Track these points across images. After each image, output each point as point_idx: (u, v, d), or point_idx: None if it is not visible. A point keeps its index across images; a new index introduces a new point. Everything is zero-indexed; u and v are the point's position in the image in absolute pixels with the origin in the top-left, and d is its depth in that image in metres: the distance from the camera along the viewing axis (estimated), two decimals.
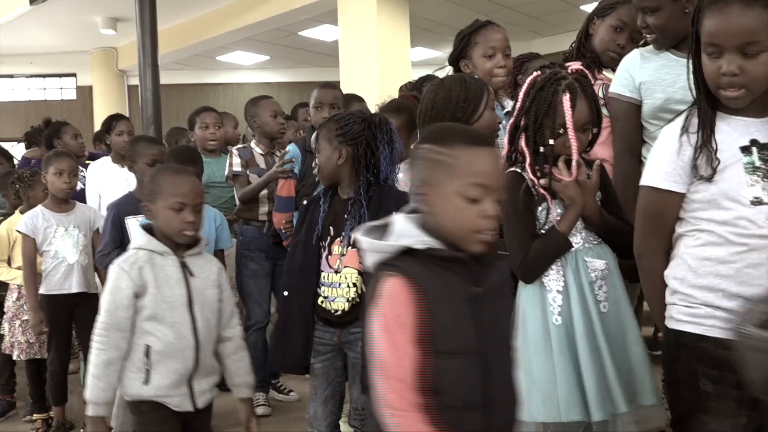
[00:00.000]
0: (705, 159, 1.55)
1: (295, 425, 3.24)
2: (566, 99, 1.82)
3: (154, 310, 2.09)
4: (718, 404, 1.54)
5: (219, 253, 3.13)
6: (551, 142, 1.86)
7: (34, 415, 3.94)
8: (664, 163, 1.63)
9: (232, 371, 2.27)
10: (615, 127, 2.30)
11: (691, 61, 1.63)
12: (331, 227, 2.33)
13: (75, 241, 3.59)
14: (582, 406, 1.76)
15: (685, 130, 1.60)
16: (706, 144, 1.55)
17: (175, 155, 3.14)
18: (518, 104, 1.93)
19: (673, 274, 1.65)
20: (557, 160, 1.88)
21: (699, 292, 1.57)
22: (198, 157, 3.23)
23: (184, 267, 2.16)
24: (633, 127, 2.25)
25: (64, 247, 3.57)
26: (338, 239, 2.32)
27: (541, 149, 1.87)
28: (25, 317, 3.79)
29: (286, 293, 2.38)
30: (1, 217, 4.09)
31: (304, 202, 2.50)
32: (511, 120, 1.95)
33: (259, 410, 3.41)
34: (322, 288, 2.32)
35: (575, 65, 1.95)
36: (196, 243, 2.21)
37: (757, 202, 1.51)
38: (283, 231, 3.21)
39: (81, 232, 3.62)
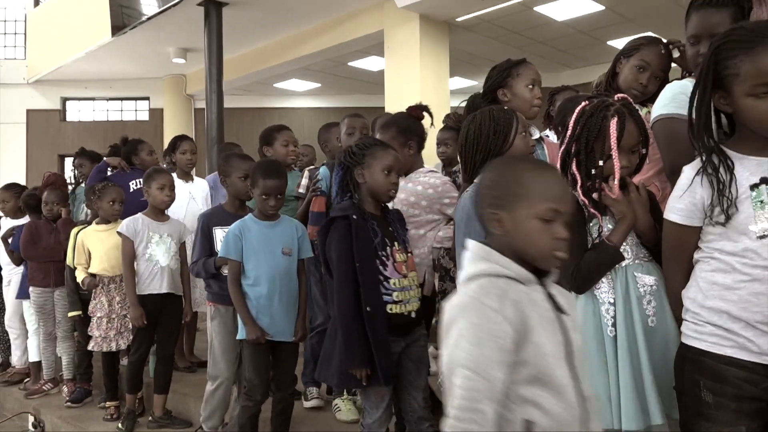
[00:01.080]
0: (721, 205, 1.53)
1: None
2: (614, 123, 1.78)
3: (538, 366, 1.27)
4: (717, 413, 1.54)
5: (301, 264, 3.03)
6: (600, 163, 1.81)
7: (107, 402, 4.05)
8: (682, 200, 1.62)
9: None
10: (669, 147, 2.15)
11: (703, 109, 1.59)
12: (385, 238, 2.33)
13: (167, 247, 3.69)
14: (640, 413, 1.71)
15: (704, 170, 1.58)
16: (723, 192, 1.53)
17: (263, 169, 2.93)
18: (568, 132, 1.88)
19: (686, 294, 1.65)
20: (607, 180, 1.84)
21: (706, 312, 1.58)
22: (284, 171, 3.07)
23: (552, 302, 1.36)
24: (690, 146, 2.19)
25: (158, 251, 3.66)
26: (394, 247, 2.33)
27: (593, 171, 1.83)
28: (99, 314, 3.88)
29: (369, 309, 2.24)
30: (84, 226, 4.22)
31: (336, 217, 2.38)
32: (562, 147, 1.92)
33: (313, 403, 3.44)
34: (394, 294, 2.28)
35: (620, 95, 1.90)
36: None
37: (763, 236, 1.50)
38: (316, 242, 3.27)
39: (173, 240, 3.72)
